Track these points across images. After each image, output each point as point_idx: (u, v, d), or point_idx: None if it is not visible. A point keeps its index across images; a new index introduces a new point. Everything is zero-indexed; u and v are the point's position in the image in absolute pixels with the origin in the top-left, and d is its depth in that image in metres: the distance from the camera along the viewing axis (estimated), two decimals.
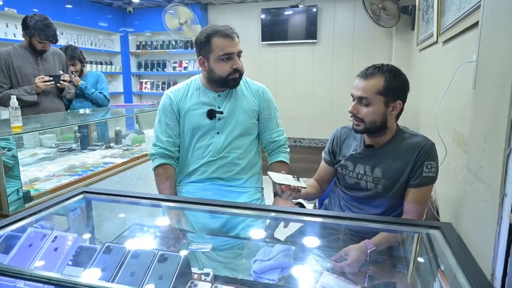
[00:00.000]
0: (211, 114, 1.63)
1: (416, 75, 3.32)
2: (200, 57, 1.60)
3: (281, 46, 4.74)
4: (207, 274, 1.21)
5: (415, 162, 1.32)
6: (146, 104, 3.39)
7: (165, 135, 1.67)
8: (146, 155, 2.55)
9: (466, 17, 1.64)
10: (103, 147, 2.74)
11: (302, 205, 1.72)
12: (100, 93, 3.20)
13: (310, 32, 4.55)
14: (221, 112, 1.63)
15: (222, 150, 1.63)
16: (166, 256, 1.06)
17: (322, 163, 1.62)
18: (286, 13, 4.60)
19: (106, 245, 1.14)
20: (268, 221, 1.61)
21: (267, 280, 1.20)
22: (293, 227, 1.60)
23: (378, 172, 1.38)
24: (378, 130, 1.37)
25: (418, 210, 1.31)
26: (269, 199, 1.81)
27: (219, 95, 1.65)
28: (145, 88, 5.54)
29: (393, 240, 1.28)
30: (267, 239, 1.57)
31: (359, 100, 1.35)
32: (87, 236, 1.37)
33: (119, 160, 2.37)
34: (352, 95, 1.38)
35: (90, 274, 1.03)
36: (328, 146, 1.59)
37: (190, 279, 1.09)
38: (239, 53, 1.58)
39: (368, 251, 1.25)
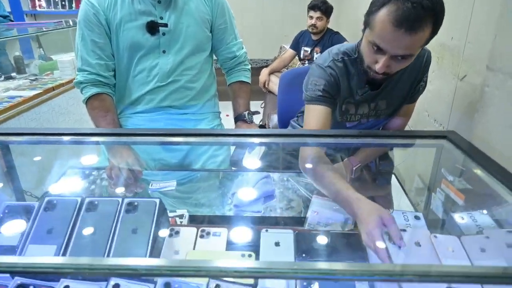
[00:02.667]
0: (152, 28, 1.29)
1: None
2: None
3: None
4: (181, 216, 1.03)
5: (417, 78, 1.14)
6: (50, 22, 2.73)
7: (94, 57, 1.29)
8: (62, 84, 2.10)
9: None
10: (2, 78, 2.18)
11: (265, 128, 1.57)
12: None
13: None
14: (166, 25, 1.30)
15: (172, 72, 1.34)
16: (135, 203, 0.84)
17: (322, 109, 1.09)
18: None
19: (46, 199, 0.87)
20: (232, 148, 1.44)
21: (251, 212, 1.07)
22: (261, 151, 1.46)
23: (382, 104, 1.17)
24: None
25: (404, 123, 1.23)
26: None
27: (159, 2, 1.29)
28: (39, 6, 4.54)
29: (378, 153, 1.22)
30: (233, 168, 1.42)
31: (395, 56, 0.95)
32: (10, 191, 1.05)
33: (30, 93, 1.90)
34: (377, 45, 0.94)
35: (35, 245, 0.78)
36: (325, 86, 1.09)
37: (169, 226, 0.90)
38: None
39: (354, 168, 1.18)
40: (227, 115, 1.70)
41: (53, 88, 2.01)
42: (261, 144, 1.13)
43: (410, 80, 1.14)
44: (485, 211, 0.93)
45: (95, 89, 1.30)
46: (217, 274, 0.49)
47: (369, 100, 1.15)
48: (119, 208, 0.84)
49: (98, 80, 1.31)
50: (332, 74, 1.09)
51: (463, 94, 1.23)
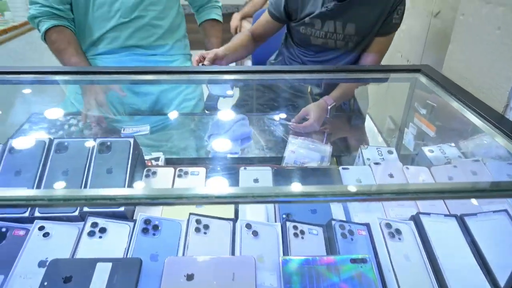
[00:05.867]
0: None
1: None
2: None
3: None
4: (157, 159, 1.01)
5: (390, 8, 1.14)
6: None
7: None
8: (16, 27, 1.92)
9: None
10: None
11: None
12: None
13: None
14: None
15: (135, 7, 1.24)
16: (108, 143, 0.81)
17: (266, 17, 1.30)
18: None
19: (10, 141, 0.82)
20: (207, 92, 1.40)
21: (229, 154, 1.06)
22: (236, 92, 1.43)
23: (351, 29, 1.18)
24: None
25: (377, 59, 1.23)
26: None
27: None
28: None
29: (353, 93, 1.22)
30: (207, 111, 1.39)
31: None
32: None
33: None
34: None
35: (3, 188, 0.74)
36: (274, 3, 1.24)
37: (144, 167, 0.88)
38: None
39: (329, 107, 1.18)
40: None
41: (5, 31, 1.84)
42: (236, 81, 1.10)
43: (380, 8, 1.14)
44: (453, 144, 0.98)
45: (51, 21, 1.20)
46: (198, 201, 0.49)
47: (335, 17, 1.16)
48: (91, 149, 0.80)
49: (53, 13, 1.20)
50: None
51: (436, 32, 1.23)
